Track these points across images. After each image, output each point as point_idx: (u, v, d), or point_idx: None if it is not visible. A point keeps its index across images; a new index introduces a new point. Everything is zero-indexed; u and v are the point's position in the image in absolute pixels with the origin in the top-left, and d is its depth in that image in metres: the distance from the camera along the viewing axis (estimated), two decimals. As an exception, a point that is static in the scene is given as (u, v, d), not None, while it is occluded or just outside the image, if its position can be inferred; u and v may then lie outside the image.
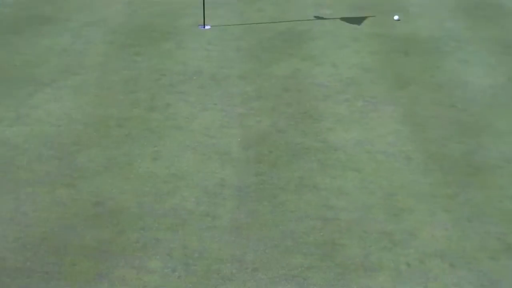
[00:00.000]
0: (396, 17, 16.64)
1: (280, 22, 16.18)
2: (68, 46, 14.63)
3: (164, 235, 9.15)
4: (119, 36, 15.14)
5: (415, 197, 10.20)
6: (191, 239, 9.11)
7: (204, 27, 15.71)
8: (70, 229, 9.16)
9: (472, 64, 14.58)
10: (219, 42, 15.00)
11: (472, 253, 9.17)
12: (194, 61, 14.12)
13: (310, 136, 11.57)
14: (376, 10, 17.15)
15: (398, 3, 17.68)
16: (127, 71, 13.60)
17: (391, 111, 12.53)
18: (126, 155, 10.79)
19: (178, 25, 15.82)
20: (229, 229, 9.33)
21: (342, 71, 13.97)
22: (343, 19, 16.47)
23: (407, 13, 17.05)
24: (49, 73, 13.45)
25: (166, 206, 9.70)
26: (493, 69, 14.46)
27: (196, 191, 10.04)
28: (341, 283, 8.56)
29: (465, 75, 14.10)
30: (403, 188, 10.41)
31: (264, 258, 8.87)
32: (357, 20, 16.41)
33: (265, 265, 8.74)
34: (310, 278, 8.60)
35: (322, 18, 16.48)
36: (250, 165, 10.70)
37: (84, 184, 10.07)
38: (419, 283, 8.63)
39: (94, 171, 10.38)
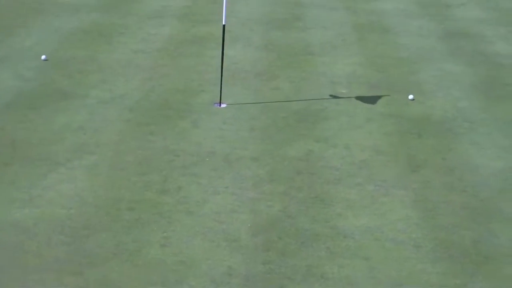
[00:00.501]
0: (411, 97, 16.75)
1: (296, 101, 16.34)
2: (85, 124, 14.83)
3: (169, 327, 9.17)
4: (135, 114, 15.33)
5: (423, 288, 10.19)
6: (196, 332, 9.12)
7: (220, 105, 15.89)
8: (75, 320, 9.21)
9: (485, 147, 14.62)
10: (234, 122, 15.15)
11: None
12: (208, 141, 14.26)
13: (320, 223, 11.61)
14: (392, 89, 17.27)
15: (413, 82, 17.81)
16: (141, 151, 13.75)
17: (402, 196, 12.57)
18: (136, 241, 10.87)
19: (194, 103, 16.00)
20: (235, 321, 9.34)
21: (354, 153, 14.05)
22: (358, 98, 16.60)
23: (422, 92, 17.16)
24: (64, 151, 13.62)
25: (173, 295, 9.75)
26: (506, 151, 14.50)
27: (203, 280, 10.08)
28: None
29: (477, 158, 14.14)
30: (411, 277, 10.39)
31: None
32: (372, 100, 16.54)
33: None
34: None
35: (337, 97, 16.62)
36: (259, 253, 10.74)
37: (92, 271, 10.13)
38: None
39: (103, 257, 10.45)
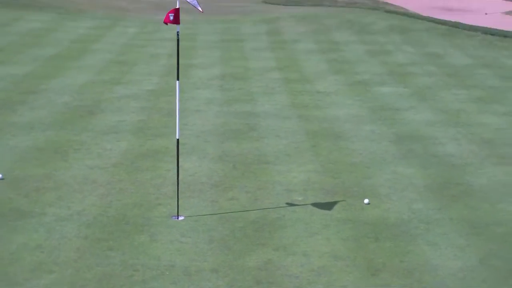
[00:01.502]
0: (366, 201, 17.01)
1: (252, 210, 16.49)
2: (43, 242, 14.80)
3: None
4: (93, 230, 15.35)
5: None
6: None
7: (177, 218, 15.98)
8: None
9: (442, 247, 14.85)
10: (192, 234, 15.23)
11: None
12: (167, 254, 14.30)
13: (281, 332, 11.62)
14: (347, 195, 17.52)
15: (368, 186, 18.10)
16: (100, 267, 13.73)
17: (362, 301, 12.66)
18: None
19: (152, 217, 16.07)
20: None
21: (313, 260, 14.17)
22: (314, 205, 16.81)
23: (377, 196, 17.43)
24: (22, 271, 13.55)
25: None
26: (462, 251, 14.72)
27: None
28: None
29: (435, 258, 14.34)
30: None
31: None
32: (328, 206, 16.75)
33: None
34: None
35: (293, 204, 16.82)
36: None
37: None
38: None
39: None
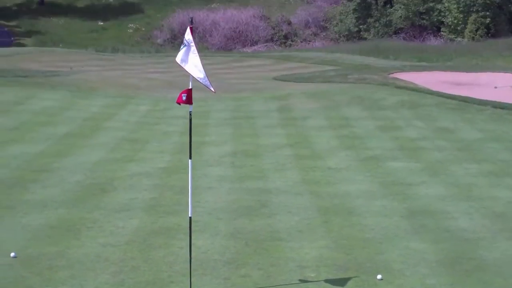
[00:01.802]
0: (379, 277, 16.97)
1: (265, 287, 16.44)
2: (55, 321, 14.77)
3: None
4: (105, 309, 15.33)
5: None
6: None
7: (190, 296, 15.99)
8: None
9: (456, 324, 14.75)
10: (204, 312, 15.20)
11: None
12: (180, 333, 14.26)
13: None
14: (360, 270, 17.49)
15: (381, 262, 18.07)
16: None
17: None
18: None
19: (164, 294, 16.06)
20: None
21: (326, 337, 14.09)
22: (326, 281, 16.78)
23: (390, 272, 17.38)
24: None
25: None
26: (477, 327, 14.62)
27: None
28: None
29: (450, 336, 14.24)
30: None
31: None
32: (341, 282, 16.72)
33: None
34: None
35: (306, 281, 16.79)
36: None
37: None
38: None
39: None
